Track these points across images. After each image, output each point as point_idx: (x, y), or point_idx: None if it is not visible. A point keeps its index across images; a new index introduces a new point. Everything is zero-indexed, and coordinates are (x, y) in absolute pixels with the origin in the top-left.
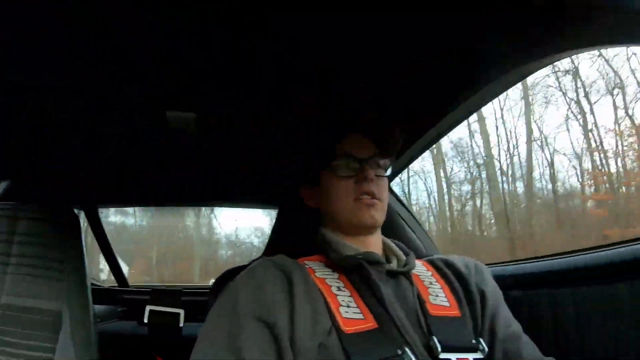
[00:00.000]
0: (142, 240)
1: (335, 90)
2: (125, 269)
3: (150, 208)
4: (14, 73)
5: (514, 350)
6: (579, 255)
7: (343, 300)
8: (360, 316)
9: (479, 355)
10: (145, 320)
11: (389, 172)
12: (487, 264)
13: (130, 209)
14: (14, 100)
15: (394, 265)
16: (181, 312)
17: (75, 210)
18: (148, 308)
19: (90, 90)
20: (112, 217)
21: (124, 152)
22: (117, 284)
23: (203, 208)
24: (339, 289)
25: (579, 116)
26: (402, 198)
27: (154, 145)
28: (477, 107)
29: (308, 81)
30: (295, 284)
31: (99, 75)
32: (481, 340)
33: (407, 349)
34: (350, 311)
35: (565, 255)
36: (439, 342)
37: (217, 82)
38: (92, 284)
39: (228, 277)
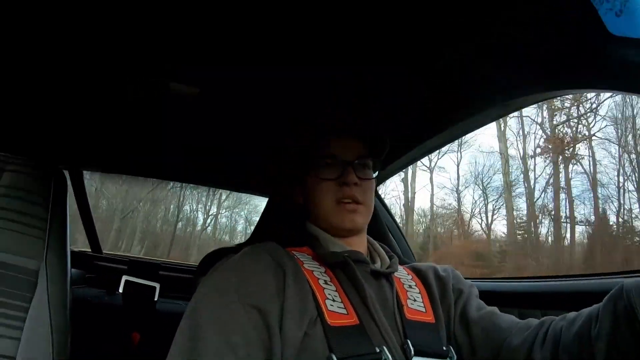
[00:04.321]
0: None
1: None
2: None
3: None
4: (10, 29)
5: (492, 324)
6: (548, 281)
7: (329, 294)
8: (344, 311)
9: None
10: (121, 290)
11: (375, 174)
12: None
13: None
14: (9, 56)
15: (378, 266)
16: (157, 285)
17: None
18: (124, 278)
19: (91, 54)
20: None
21: (119, 117)
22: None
23: None
24: (325, 282)
25: None
26: None
27: (150, 116)
28: (472, 129)
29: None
30: (287, 273)
31: (99, 40)
32: (451, 347)
33: (384, 348)
34: (335, 305)
35: (533, 280)
36: (413, 345)
37: (221, 54)
38: None
39: (214, 257)
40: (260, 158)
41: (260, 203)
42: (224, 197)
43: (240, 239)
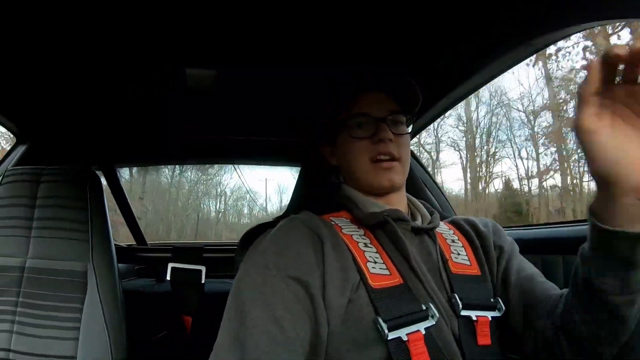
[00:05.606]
0: None
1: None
2: None
3: None
4: (32, 30)
5: (528, 290)
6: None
7: (370, 256)
8: (387, 272)
9: (496, 313)
10: (168, 278)
11: (409, 129)
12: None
13: None
14: (32, 61)
15: (418, 222)
16: (203, 268)
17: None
18: (170, 265)
19: (106, 46)
20: None
21: (142, 108)
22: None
23: None
24: (365, 245)
25: None
26: None
27: (173, 101)
28: (499, 72)
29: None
30: (325, 242)
31: (114, 31)
32: (499, 299)
33: (431, 305)
34: (377, 267)
35: (554, 225)
36: (460, 299)
37: (237, 37)
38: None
39: (255, 233)
40: (291, 125)
41: (259, 190)
42: (228, 194)
43: (247, 218)
